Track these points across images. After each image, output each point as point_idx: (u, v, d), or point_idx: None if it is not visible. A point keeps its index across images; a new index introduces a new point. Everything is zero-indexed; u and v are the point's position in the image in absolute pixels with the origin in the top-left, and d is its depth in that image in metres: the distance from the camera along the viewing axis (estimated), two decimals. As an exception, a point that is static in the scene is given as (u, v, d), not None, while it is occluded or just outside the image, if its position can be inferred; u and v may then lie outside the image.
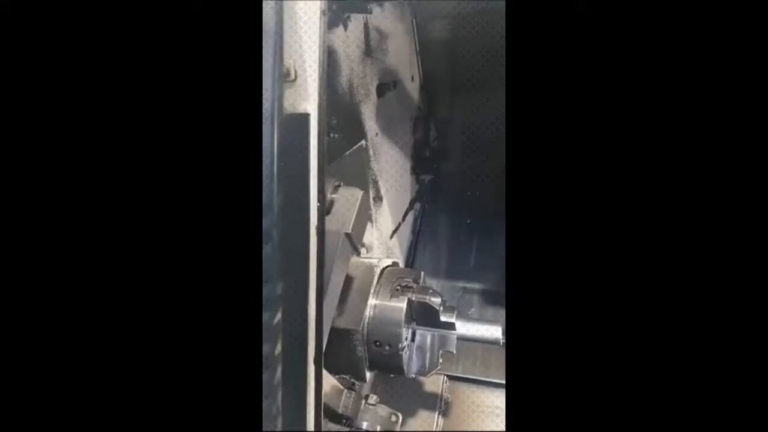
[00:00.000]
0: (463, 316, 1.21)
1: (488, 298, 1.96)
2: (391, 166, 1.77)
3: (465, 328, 1.20)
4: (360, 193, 0.95)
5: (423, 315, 1.18)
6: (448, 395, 1.69)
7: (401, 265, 1.93)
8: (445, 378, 1.70)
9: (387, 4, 1.50)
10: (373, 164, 1.59)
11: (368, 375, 1.16)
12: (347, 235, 0.92)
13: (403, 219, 1.99)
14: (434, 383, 1.69)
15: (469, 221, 2.17)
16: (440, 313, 1.16)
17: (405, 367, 1.16)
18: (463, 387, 1.71)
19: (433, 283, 2.03)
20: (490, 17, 1.75)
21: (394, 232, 1.85)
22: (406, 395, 1.63)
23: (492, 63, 1.96)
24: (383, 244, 1.74)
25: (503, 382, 1.69)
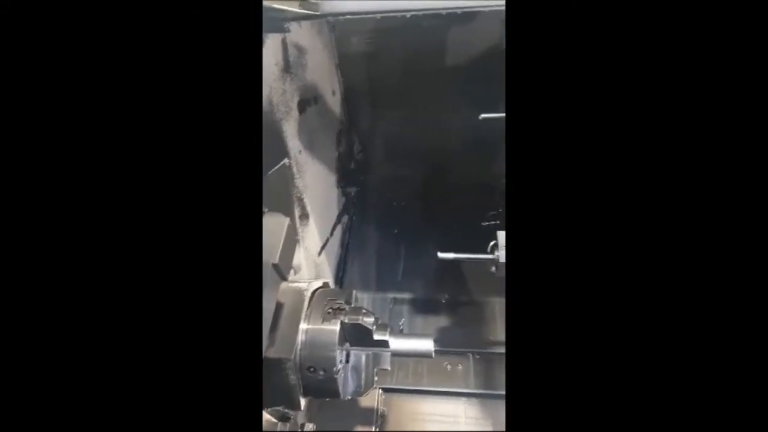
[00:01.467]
0: (396, 332, 1.22)
1: (418, 307, 2.01)
2: (316, 181, 1.75)
3: (398, 343, 1.21)
4: (286, 221, 0.93)
5: (356, 336, 1.17)
6: (384, 408, 1.70)
7: (331, 280, 1.91)
8: (380, 391, 1.71)
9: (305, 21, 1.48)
10: (298, 182, 1.56)
11: (302, 402, 1.13)
12: (275, 265, 0.89)
13: (331, 234, 1.97)
14: (369, 398, 1.69)
15: (396, 231, 2.21)
16: (373, 332, 1.16)
17: (341, 390, 1.15)
18: (398, 398, 1.73)
19: (364, 296, 2.03)
20: (408, 31, 1.80)
21: (323, 248, 1.83)
22: (343, 414, 1.61)
23: (411, 74, 2.01)
24: (312, 262, 1.71)
25: (435, 389, 1.74)
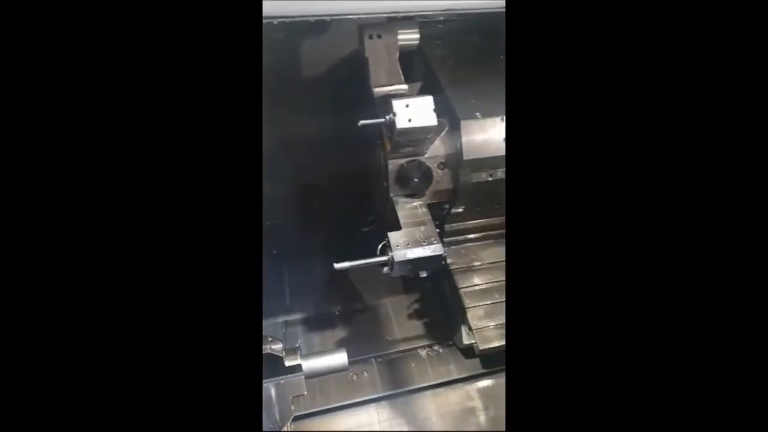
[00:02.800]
0: (307, 353, 1.16)
1: (312, 325, 1.94)
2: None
3: (311, 364, 1.16)
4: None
5: (266, 367, 1.08)
6: (296, 438, 1.60)
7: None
8: (290, 423, 1.60)
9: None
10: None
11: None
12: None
13: (205, 265, 1.78)
14: None
15: (275, 251, 2.10)
16: (284, 359, 1.09)
17: (257, 432, 1.04)
18: (309, 422, 1.64)
19: (253, 325, 1.89)
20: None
21: (199, 282, 1.64)
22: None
23: (267, 87, 1.93)
24: (190, 299, 1.52)
25: (345, 403, 1.70)
